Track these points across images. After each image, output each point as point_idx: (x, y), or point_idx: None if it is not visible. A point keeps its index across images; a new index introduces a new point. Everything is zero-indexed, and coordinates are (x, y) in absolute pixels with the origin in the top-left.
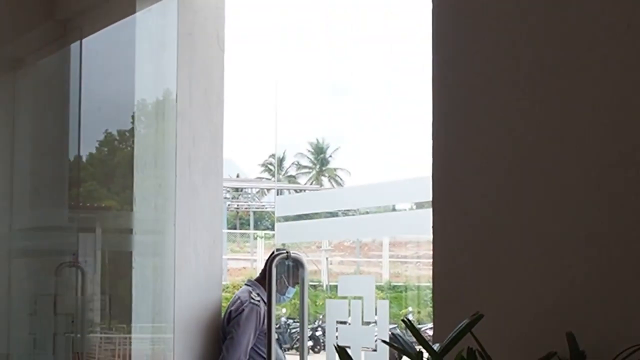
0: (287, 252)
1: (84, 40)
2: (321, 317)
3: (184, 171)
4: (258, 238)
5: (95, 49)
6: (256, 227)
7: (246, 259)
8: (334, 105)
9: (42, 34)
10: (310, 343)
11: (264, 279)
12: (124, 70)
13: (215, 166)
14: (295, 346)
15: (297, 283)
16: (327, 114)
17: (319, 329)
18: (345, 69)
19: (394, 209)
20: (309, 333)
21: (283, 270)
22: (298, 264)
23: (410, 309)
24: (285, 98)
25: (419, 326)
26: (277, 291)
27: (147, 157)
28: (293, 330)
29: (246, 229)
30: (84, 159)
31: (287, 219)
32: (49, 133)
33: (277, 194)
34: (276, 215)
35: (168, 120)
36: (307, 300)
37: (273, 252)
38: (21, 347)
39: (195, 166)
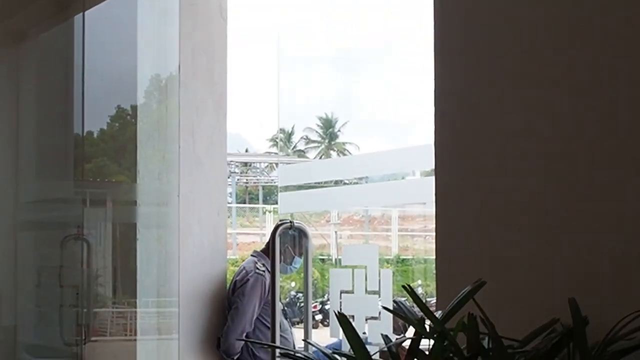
0: (290, 222)
1: (86, 12)
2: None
3: (187, 142)
4: (267, 212)
5: (98, 21)
6: (265, 202)
7: (255, 234)
8: (342, 78)
9: (44, 6)
10: (319, 316)
11: (269, 250)
12: (126, 42)
13: (219, 137)
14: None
15: (303, 253)
16: (335, 87)
17: (329, 302)
18: (352, 42)
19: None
20: (319, 307)
21: (288, 241)
22: (302, 234)
23: (419, 282)
24: (290, 72)
25: (428, 299)
26: (283, 261)
27: (151, 129)
28: (302, 305)
29: (255, 204)
30: (90, 133)
31: (292, 189)
32: (54, 106)
33: None
34: (279, 185)
35: (171, 91)
36: (311, 269)
37: (277, 223)
38: (28, 319)
39: (199, 137)
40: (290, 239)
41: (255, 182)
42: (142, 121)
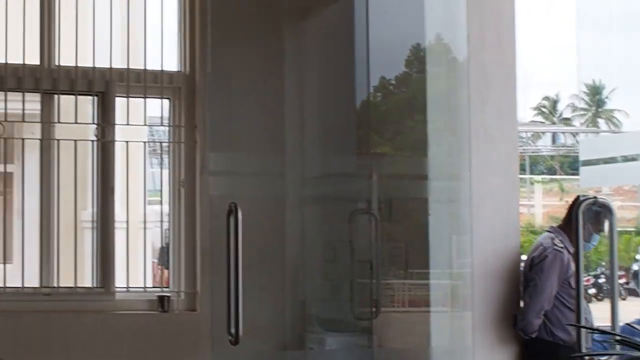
0: (594, 198)
1: None
2: (603, 264)
3: (477, 115)
4: (535, 183)
5: None
6: (531, 172)
7: (523, 205)
8: (610, 44)
9: None
10: (592, 290)
11: (567, 226)
12: (411, 13)
13: (509, 109)
14: None
15: (602, 230)
16: (602, 53)
17: (602, 276)
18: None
19: None
20: (592, 280)
21: (589, 217)
22: (606, 210)
23: None
24: (586, 37)
25: None
26: (582, 239)
27: (439, 102)
28: None
29: (522, 174)
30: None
31: (590, 163)
32: (336, 80)
33: (553, 137)
34: (581, 159)
35: (459, 62)
36: (616, 247)
37: (578, 198)
38: (318, 293)
39: (489, 109)
40: (590, 215)
41: (521, 152)
42: (429, 92)
